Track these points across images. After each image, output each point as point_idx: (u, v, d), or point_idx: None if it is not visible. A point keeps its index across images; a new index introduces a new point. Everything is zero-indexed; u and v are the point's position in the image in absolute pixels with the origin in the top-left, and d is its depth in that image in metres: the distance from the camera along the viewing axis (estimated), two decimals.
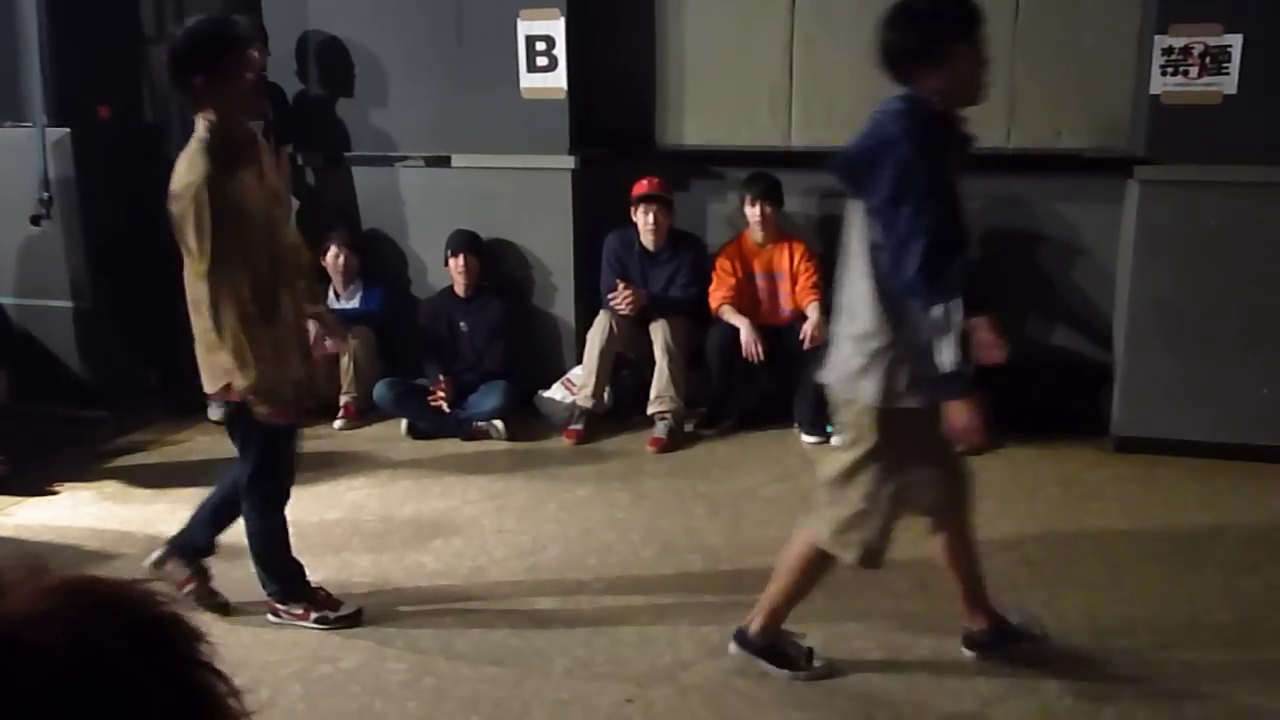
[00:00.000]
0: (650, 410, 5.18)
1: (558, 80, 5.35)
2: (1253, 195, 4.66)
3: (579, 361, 5.38)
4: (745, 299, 5.32)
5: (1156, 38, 4.65)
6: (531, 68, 5.37)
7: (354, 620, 3.50)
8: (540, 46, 5.34)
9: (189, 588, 3.49)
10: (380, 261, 5.75)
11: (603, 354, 5.20)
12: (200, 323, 3.19)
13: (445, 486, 4.68)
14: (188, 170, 3.08)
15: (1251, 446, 4.77)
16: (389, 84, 5.62)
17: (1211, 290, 4.78)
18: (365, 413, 5.49)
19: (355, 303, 5.64)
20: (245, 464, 3.39)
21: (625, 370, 5.41)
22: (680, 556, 3.98)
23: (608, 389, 5.29)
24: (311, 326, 5.22)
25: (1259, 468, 4.69)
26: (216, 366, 3.21)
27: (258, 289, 3.16)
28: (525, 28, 5.33)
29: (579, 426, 5.17)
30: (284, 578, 3.50)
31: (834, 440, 4.99)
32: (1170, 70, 4.65)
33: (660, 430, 5.13)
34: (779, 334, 5.26)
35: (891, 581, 3.74)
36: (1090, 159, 5.05)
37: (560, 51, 5.31)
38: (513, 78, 5.40)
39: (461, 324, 5.42)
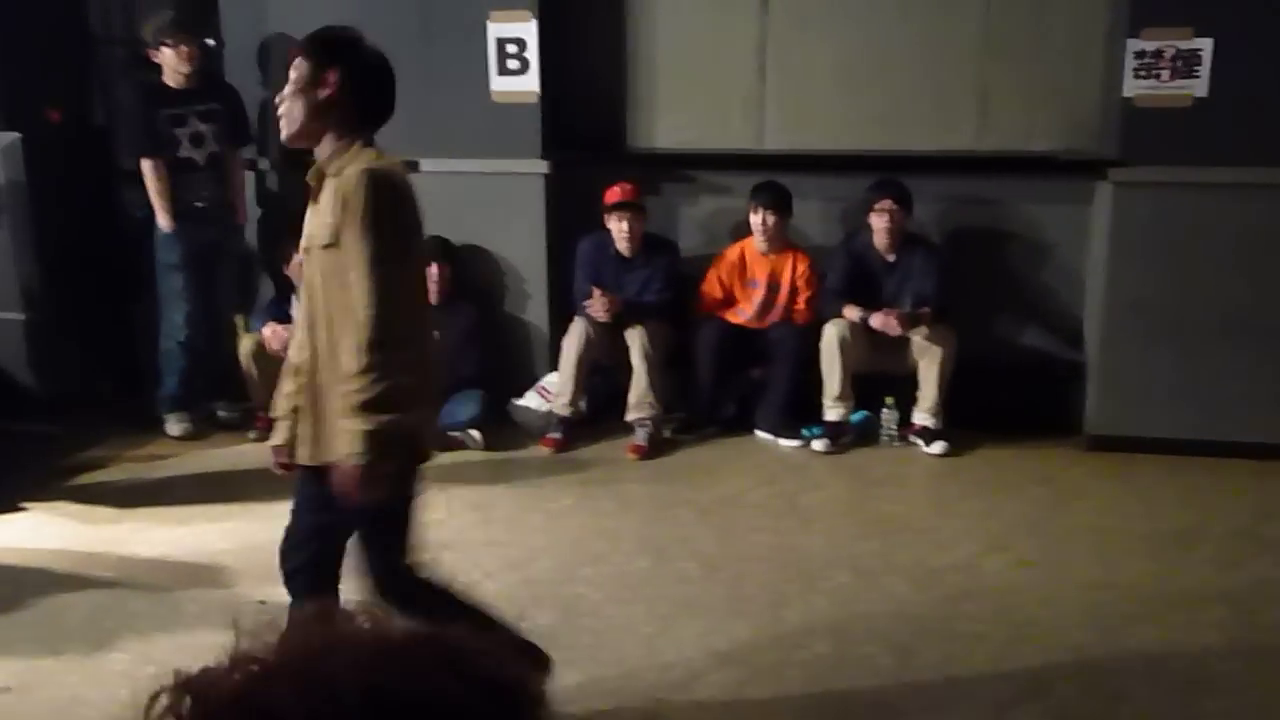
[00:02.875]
0: (629, 417, 5.11)
1: (529, 83, 5.26)
2: (1225, 196, 4.74)
3: (553, 368, 5.30)
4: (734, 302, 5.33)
5: (1129, 41, 4.71)
6: (502, 70, 5.27)
7: None
8: (511, 49, 5.25)
9: None
10: None
11: (579, 361, 5.13)
12: None
13: (428, 499, 4.55)
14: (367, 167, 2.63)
15: (1225, 443, 4.85)
16: None
17: (1185, 289, 4.85)
18: None
19: None
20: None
21: (599, 376, 5.34)
22: (676, 565, 3.92)
23: (585, 396, 5.22)
24: (267, 330, 5.03)
25: (1234, 464, 4.77)
26: None
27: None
28: (495, 30, 5.24)
29: (558, 435, 5.09)
30: None
31: (815, 445, 5.03)
32: (1142, 73, 4.71)
33: (640, 437, 5.07)
34: (757, 337, 5.23)
35: (894, 585, 3.74)
36: (1064, 160, 5.10)
37: (532, 54, 5.22)
38: (483, 80, 5.30)
39: (434, 333, 5.29)
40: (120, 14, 5.82)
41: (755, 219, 5.17)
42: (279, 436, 2.76)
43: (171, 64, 5.10)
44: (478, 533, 4.20)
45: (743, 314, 5.30)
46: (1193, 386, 4.90)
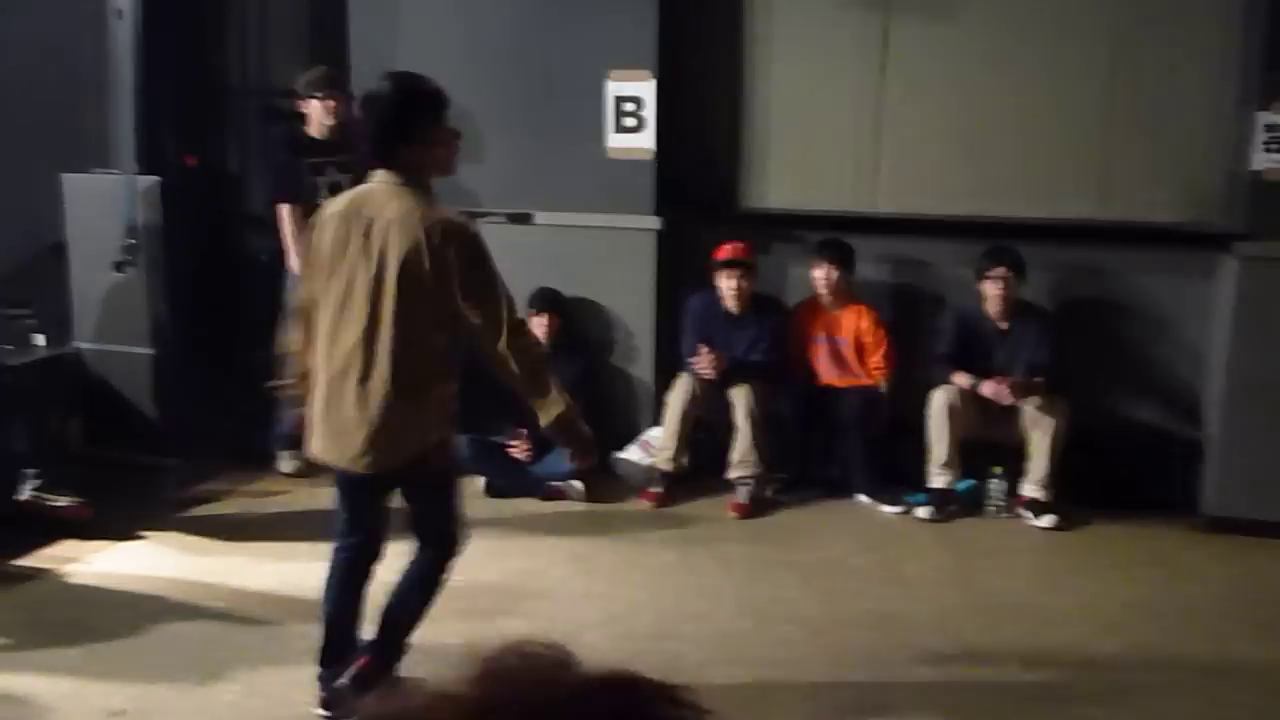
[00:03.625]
0: (732, 475, 5.10)
1: (645, 140, 5.35)
2: None
3: (656, 423, 5.32)
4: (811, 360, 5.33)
5: (1258, 114, 4.61)
6: (619, 128, 5.37)
7: None
8: (629, 107, 5.34)
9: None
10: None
11: (683, 416, 5.14)
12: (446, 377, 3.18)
13: (528, 547, 4.60)
14: (442, 213, 3.08)
15: None
16: (474, 138, 5.60)
17: None
18: None
19: None
20: (448, 518, 3.32)
21: (702, 433, 5.34)
22: (777, 628, 3.88)
23: (688, 452, 5.22)
24: None
25: None
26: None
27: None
28: (615, 88, 5.34)
29: (659, 489, 5.10)
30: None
31: (919, 512, 4.95)
32: (1273, 147, 4.60)
33: (742, 495, 5.05)
34: (834, 398, 5.19)
35: (1002, 661, 3.65)
36: (1187, 233, 4.99)
37: (649, 112, 5.31)
38: (599, 137, 5.40)
39: None
40: (255, 67, 6.08)
41: (818, 273, 5.18)
42: None
43: (318, 116, 5.31)
44: (578, 584, 4.22)
45: (822, 373, 5.30)
46: None
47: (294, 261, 5.32)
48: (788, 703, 3.36)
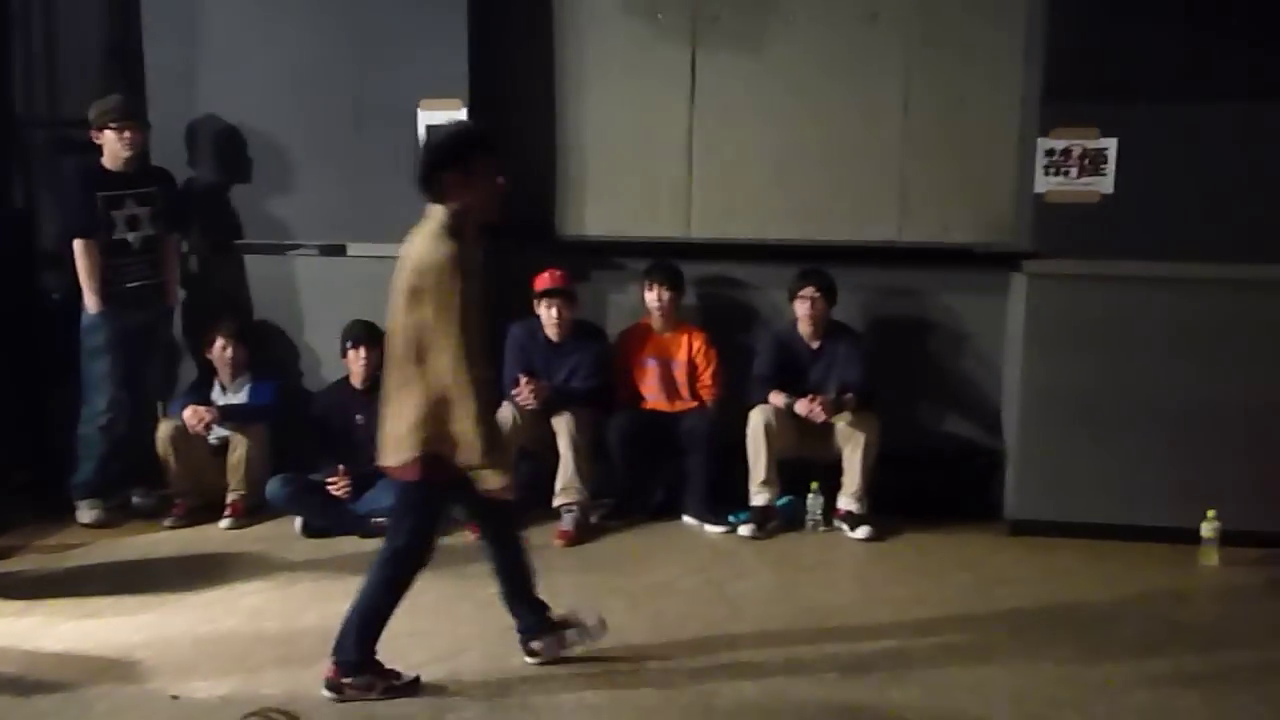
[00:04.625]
0: (557, 502, 5.09)
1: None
2: (1133, 288, 4.93)
3: None
4: (639, 386, 5.37)
5: (1039, 140, 4.92)
6: None
7: (413, 689, 3.56)
8: None
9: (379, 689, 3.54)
10: (272, 354, 5.54)
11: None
12: (418, 395, 3.33)
13: (349, 588, 4.38)
14: (434, 248, 3.31)
15: (1140, 527, 4.97)
16: (283, 171, 5.48)
17: (1098, 377, 5.00)
18: (253, 511, 5.24)
19: (243, 396, 5.40)
20: (404, 536, 3.54)
21: (527, 463, 5.31)
22: (606, 654, 3.87)
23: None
24: (188, 413, 5.13)
25: (1149, 548, 4.89)
26: (419, 436, 3.36)
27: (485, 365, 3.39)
28: (426, 117, 5.29)
29: None
30: (367, 651, 3.54)
31: (742, 530, 5.05)
32: (1052, 171, 4.91)
33: (567, 523, 5.05)
34: (672, 424, 5.26)
35: (824, 672, 3.73)
36: (980, 253, 5.27)
37: None
38: (412, 167, 5.32)
39: (358, 416, 5.24)
40: (44, 96, 5.77)
41: (650, 295, 5.27)
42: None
43: (114, 147, 5.07)
44: (402, 624, 4.08)
45: (649, 397, 5.35)
46: (1109, 472, 5.03)
47: (90, 300, 5.06)
48: None
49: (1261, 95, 4.73)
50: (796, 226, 5.49)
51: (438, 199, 3.43)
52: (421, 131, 5.29)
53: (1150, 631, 4.13)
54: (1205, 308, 4.89)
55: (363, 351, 5.18)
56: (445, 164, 3.41)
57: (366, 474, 5.12)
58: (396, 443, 3.43)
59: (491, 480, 3.38)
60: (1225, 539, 4.77)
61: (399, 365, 3.41)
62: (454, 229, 3.36)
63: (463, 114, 5.27)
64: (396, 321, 3.40)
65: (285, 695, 3.54)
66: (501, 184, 3.48)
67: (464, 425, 3.29)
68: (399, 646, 3.91)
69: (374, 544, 4.89)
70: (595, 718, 3.43)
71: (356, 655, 3.53)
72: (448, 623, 4.15)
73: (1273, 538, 4.83)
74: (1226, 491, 4.84)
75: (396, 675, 3.58)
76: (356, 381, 5.25)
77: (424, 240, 3.37)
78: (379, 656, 3.58)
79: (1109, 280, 4.93)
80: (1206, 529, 4.77)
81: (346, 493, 5.07)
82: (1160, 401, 4.97)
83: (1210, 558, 4.77)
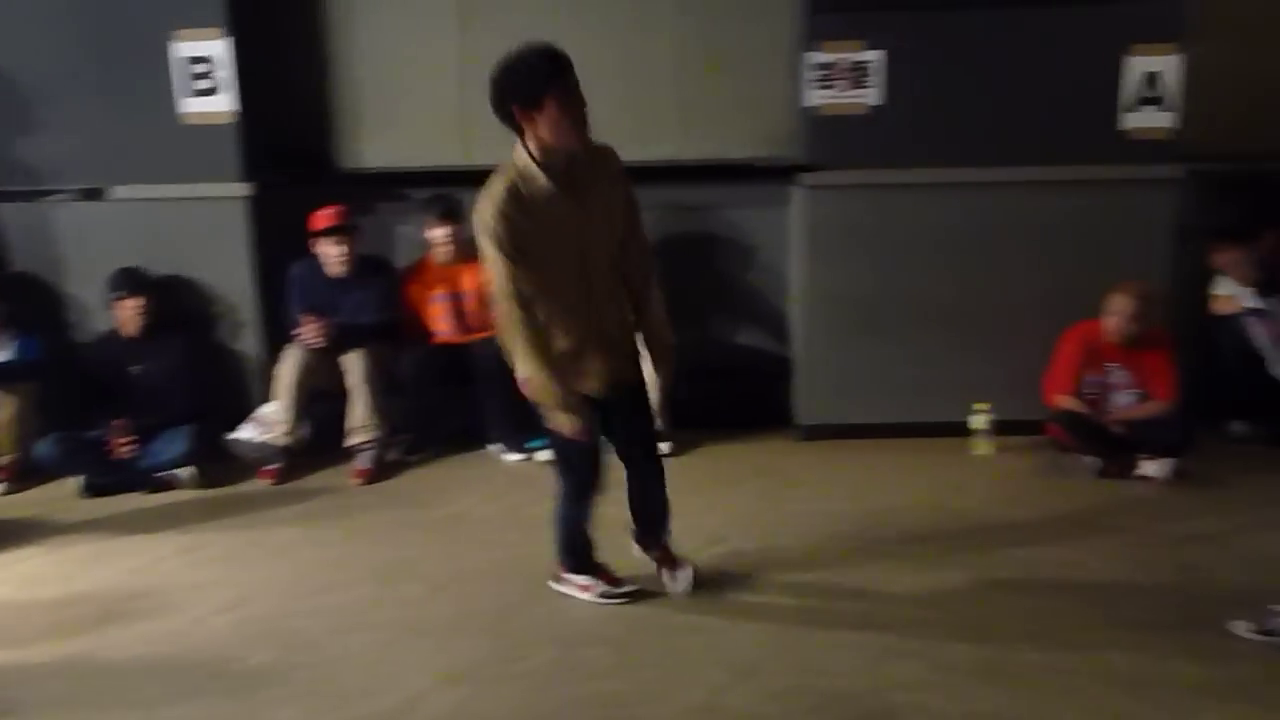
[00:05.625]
0: (350, 442, 5.01)
1: (223, 104, 5.07)
2: (901, 195, 5.11)
3: (269, 398, 5.11)
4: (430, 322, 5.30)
5: (807, 54, 5.01)
6: (192, 91, 5.06)
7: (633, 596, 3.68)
8: (200, 69, 5.04)
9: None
10: (33, 307, 5.23)
11: (297, 388, 4.98)
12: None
13: (133, 546, 4.31)
14: (482, 194, 3.23)
15: (921, 424, 5.23)
16: (30, 110, 5.12)
17: (875, 283, 5.19)
18: (26, 475, 4.98)
19: (7, 354, 5.08)
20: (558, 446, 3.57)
21: (321, 404, 5.20)
22: (401, 588, 3.86)
23: (305, 424, 5.06)
24: None
25: (929, 442, 5.14)
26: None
27: (555, 302, 3.33)
28: (180, 48, 5.01)
29: (277, 465, 4.92)
30: (573, 553, 3.70)
31: (541, 455, 5.07)
32: (823, 84, 5.02)
33: (364, 461, 4.98)
34: (464, 353, 5.22)
35: (532, 558, 3.81)
36: (760, 167, 5.36)
37: (225, 74, 5.03)
38: (170, 101, 5.06)
39: (132, 368, 5.01)
40: None
41: (438, 231, 5.19)
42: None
43: None
44: (184, 576, 4.00)
45: (441, 332, 5.30)
46: (889, 374, 5.26)
47: None
48: (408, 662, 3.35)
49: (1022, 0, 4.91)
50: None
51: (517, 132, 3.21)
52: (177, 65, 5.01)
53: (924, 519, 4.36)
54: (971, 211, 5.11)
55: (133, 300, 4.94)
56: (506, 98, 3.17)
57: (148, 426, 4.94)
58: None
59: (559, 421, 3.34)
60: (997, 429, 5.06)
61: None
62: (522, 169, 3.20)
63: (224, 45, 5.01)
64: None
65: (65, 663, 3.40)
66: (576, 112, 3.19)
67: (520, 372, 3.32)
68: (181, 599, 3.82)
69: (159, 498, 4.77)
70: (388, 652, 3.42)
71: (571, 562, 3.71)
72: (235, 571, 4.04)
73: (1035, 425, 5.14)
74: (995, 386, 5.12)
75: (617, 582, 3.71)
76: (129, 330, 5.01)
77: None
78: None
79: (880, 189, 5.10)
80: (977, 421, 5.05)
81: (133, 451, 4.85)
82: (932, 304, 5.20)
83: (980, 448, 5.06)
